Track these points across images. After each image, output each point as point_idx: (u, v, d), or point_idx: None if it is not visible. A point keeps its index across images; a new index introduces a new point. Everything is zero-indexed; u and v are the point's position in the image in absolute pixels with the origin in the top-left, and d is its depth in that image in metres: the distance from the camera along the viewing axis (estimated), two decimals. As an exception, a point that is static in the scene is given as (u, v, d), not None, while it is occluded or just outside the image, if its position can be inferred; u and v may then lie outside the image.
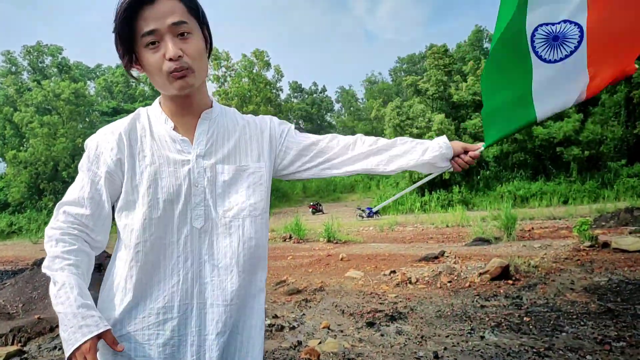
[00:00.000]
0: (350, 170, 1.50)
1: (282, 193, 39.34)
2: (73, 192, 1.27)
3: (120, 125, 1.29)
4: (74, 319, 1.12)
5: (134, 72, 1.29)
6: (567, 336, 4.35)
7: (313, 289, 7.31)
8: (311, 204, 30.77)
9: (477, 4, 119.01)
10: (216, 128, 1.34)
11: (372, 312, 5.68)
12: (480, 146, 1.43)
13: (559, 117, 29.80)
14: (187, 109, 1.31)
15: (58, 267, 1.19)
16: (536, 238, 11.45)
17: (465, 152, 1.47)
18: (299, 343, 4.59)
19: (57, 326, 5.62)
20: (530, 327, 4.69)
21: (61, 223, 1.26)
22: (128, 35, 1.17)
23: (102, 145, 1.26)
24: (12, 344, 5.07)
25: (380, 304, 6.16)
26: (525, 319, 4.97)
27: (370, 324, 5.15)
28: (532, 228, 13.55)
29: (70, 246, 1.22)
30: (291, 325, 5.09)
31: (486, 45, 47.99)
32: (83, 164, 1.28)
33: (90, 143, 1.29)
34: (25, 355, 4.70)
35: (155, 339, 1.23)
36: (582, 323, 4.70)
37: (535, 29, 1.28)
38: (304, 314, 5.76)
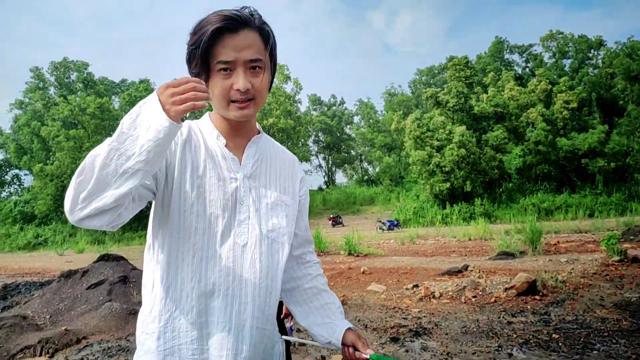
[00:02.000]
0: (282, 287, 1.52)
1: (302, 205, 39.29)
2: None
3: (188, 125, 1.32)
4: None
5: None
6: (598, 354, 4.23)
7: (335, 302, 7.26)
8: (331, 216, 30.71)
9: (497, 16, 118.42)
10: (261, 154, 1.39)
11: (395, 327, 5.61)
12: (368, 355, 1.38)
13: (583, 128, 29.33)
14: (240, 131, 1.36)
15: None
16: (562, 252, 11.20)
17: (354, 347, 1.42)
18: (323, 358, 4.56)
19: (84, 337, 5.70)
20: (560, 344, 4.57)
21: None
22: (206, 57, 1.21)
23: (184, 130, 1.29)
24: (40, 355, 5.14)
25: (404, 318, 6.09)
26: (554, 336, 4.85)
27: (395, 340, 5.09)
28: (558, 242, 13.26)
29: None
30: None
31: (507, 56, 47.66)
32: None
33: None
34: (53, 367, 4.77)
35: (197, 355, 1.21)
36: (614, 341, 4.56)
37: None
38: (326, 329, 5.72)
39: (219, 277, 1.23)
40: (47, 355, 5.13)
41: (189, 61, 1.25)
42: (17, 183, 51.42)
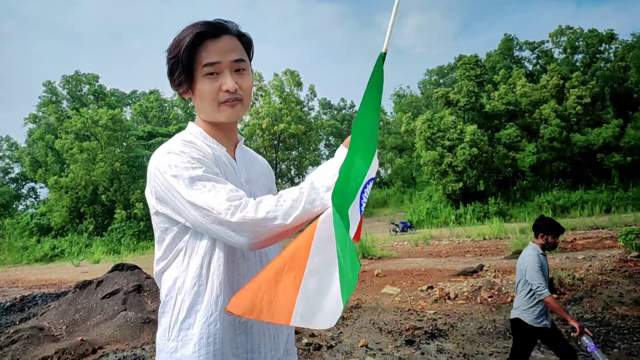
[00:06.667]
0: None
1: (314, 210, 39.20)
2: (218, 194, 1.14)
3: (186, 142, 1.26)
4: None
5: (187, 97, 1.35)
6: (619, 352, 4.13)
7: (349, 306, 7.22)
8: (344, 220, 30.58)
9: (507, 15, 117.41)
10: (247, 159, 1.44)
11: (411, 330, 5.55)
12: None
13: (597, 123, 28.93)
14: (229, 137, 1.39)
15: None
16: (579, 249, 11.04)
17: None
18: (338, 363, 4.52)
19: (100, 348, 5.73)
20: (579, 343, 4.48)
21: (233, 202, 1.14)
22: (189, 64, 1.25)
23: (195, 153, 1.21)
24: (57, 366, 5.17)
25: (419, 320, 6.02)
26: (573, 334, 4.76)
27: (410, 342, 5.03)
28: (575, 239, 13.07)
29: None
30: (329, 344, 5.02)
31: (517, 53, 47.21)
32: (193, 170, 1.17)
33: (181, 154, 1.20)
34: (69, 377, 4.78)
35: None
36: (635, 338, 4.46)
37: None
38: (341, 332, 5.67)
39: (245, 276, 1.26)
40: (64, 366, 5.16)
41: (171, 74, 1.29)
42: (33, 196, 52.20)
